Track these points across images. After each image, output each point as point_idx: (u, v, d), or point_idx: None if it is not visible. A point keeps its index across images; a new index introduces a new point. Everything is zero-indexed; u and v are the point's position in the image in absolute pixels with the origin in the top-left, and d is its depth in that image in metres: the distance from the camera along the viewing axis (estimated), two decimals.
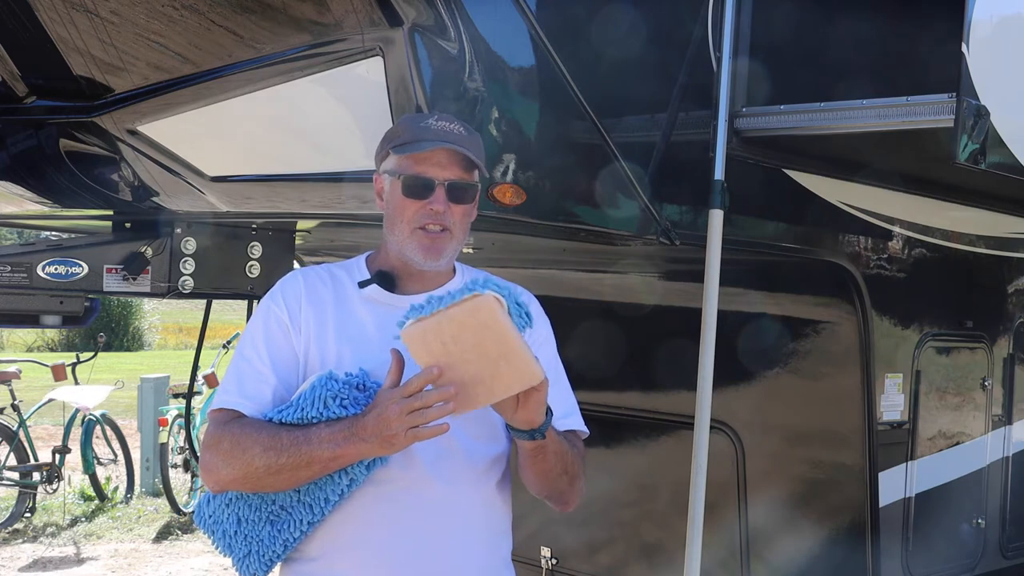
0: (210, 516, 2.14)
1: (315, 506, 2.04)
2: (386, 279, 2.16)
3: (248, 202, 2.99)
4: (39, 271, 2.98)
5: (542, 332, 2.26)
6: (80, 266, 3.03)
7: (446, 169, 2.11)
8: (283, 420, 2.02)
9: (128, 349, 27.49)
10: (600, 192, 2.87)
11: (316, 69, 2.56)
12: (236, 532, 2.10)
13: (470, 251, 3.53)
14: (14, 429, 8.22)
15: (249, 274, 3.31)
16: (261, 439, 1.99)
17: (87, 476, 8.72)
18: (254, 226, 3.31)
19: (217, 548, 2.15)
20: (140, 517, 8.41)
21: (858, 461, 3.79)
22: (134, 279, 3.09)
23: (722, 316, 2.99)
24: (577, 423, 2.27)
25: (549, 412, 2.03)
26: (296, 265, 3.70)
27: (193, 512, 2.29)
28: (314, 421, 1.99)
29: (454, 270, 2.25)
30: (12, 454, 8.21)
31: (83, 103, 2.82)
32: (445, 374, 1.88)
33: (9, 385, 8.33)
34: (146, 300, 25.82)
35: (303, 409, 2.00)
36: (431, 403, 1.88)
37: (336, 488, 2.03)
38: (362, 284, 2.16)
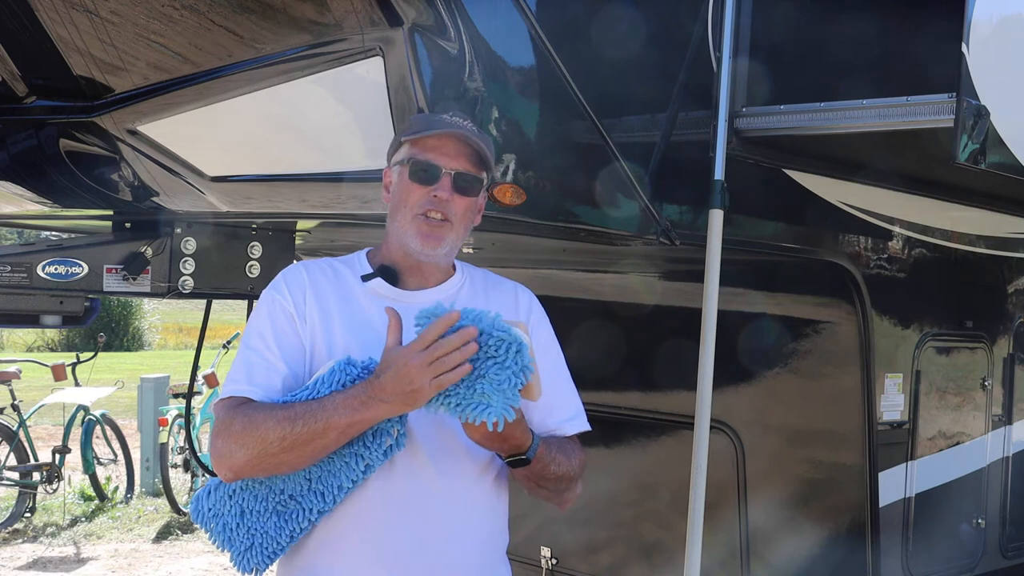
0: (210, 509, 2.11)
1: (327, 494, 2.03)
2: (389, 273, 2.17)
3: (248, 202, 2.99)
4: (39, 271, 2.98)
5: (544, 335, 2.26)
6: (80, 266, 3.03)
7: (454, 159, 2.13)
8: (297, 401, 2.01)
9: (128, 349, 27.51)
10: (600, 192, 2.87)
11: (316, 69, 2.56)
12: (239, 525, 2.08)
13: (470, 251, 3.53)
14: (14, 429, 8.22)
15: (249, 274, 3.31)
16: (274, 413, 1.97)
17: (87, 476, 8.72)
18: (254, 226, 3.31)
19: (215, 542, 2.12)
20: (140, 517, 8.41)
21: (858, 461, 3.79)
22: (134, 279, 3.09)
23: (722, 316, 2.99)
24: (581, 424, 2.28)
25: (533, 435, 2.08)
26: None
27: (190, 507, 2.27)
28: None
29: (454, 268, 2.25)
30: (12, 454, 8.21)
31: (83, 103, 2.82)
32: None
33: (9, 385, 8.33)
34: (146, 300, 25.85)
35: (319, 392, 1.99)
36: (452, 348, 1.88)
37: (352, 475, 2.01)
38: (365, 278, 2.17)
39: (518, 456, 2.07)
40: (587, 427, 2.28)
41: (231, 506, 2.09)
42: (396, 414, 1.97)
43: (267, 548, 2.08)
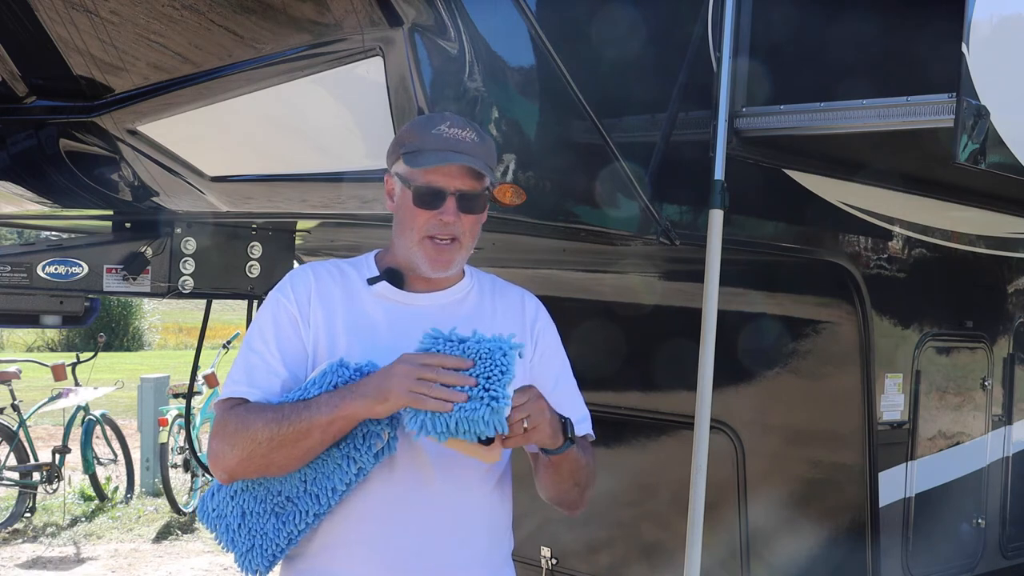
0: (214, 510, 2.12)
1: (322, 496, 2.03)
2: (395, 276, 2.16)
3: (248, 202, 2.99)
4: (39, 271, 2.98)
5: (550, 342, 2.26)
6: (80, 266, 3.03)
7: (457, 179, 2.10)
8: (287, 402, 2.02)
9: (128, 349, 27.49)
10: (600, 192, 2.87)
11: (316, 69, 2.56)
12: (240, 526, 2.09)
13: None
14: (14, 429, 8.21)
15: (249, 274, 3.31)
16: (264, 415, 1.99)
17: (87, 476, 8.72)
18: (254, 226, 3.31)
19: (220, 543, 2.13)
20: (140, 517, 8.40)
21: (858, 461, 3.79)
22: (134, 279, 3.09)
23: (722, 316, 2.99)
24: (589, 428, 2.27)
25: (568, 424, 2.06)
26: (296, 265, 3.70)
27: (194, 511, 2.28)
28: None
29: (463, 271, 2.24)
30: (12, 454, 8.21)
31: (83, 103, 2.82)
32: None
33: (9, 385, 8.33)
34: (146, 300, 25.84)
35: (309, 393, 2.00)
36: (444, 382, 1.88)
37: (344, 477, 2.02)
38: (371, 281, 2.16)
39: (565, 440, 2.05)
40: (591, 433, 2.27)
41: (232, 507, 2.10)
42: (371, 412, 1.95)
43: (267, 550, 2.08)
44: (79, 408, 8.76)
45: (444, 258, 2.12)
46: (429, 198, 2.09)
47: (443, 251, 2.11)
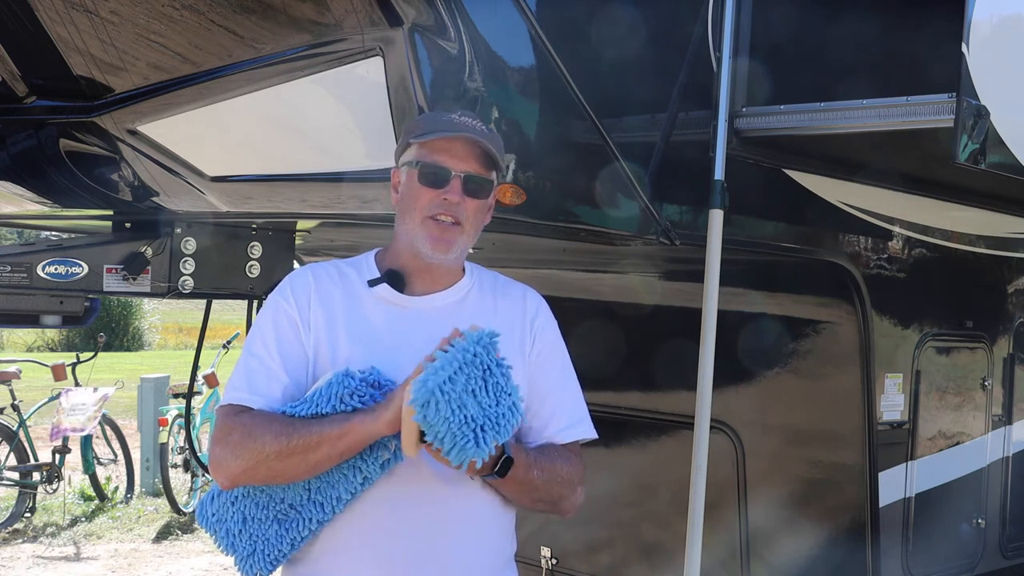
0: (213, 514, 2.12)
1: (326, 504, 2.03)
2: (396, 278, 2.15)
3: (248, 202, 2.99)
4: (39, 271, 2.98)
5: (550, 339, 2.25)
6: (80, 266, 3.03)
7: (464, 161, 2.11)
8: (296, 415, 2.01)
9: (128, 349, 27.50)
10: (600, 192, 2.87)
11: (316, 69, 2.56)
12: (241, 531, 2.09)
13: (471, 251, 3.53)
14: (14, 429, 8.21)
15: (249, 274, 3.31)
16: (273, 426, 1.98)
17: (87, 476, 8.72)
18: (254, 226, 3.31)
19: (220, 547, 2.13)
20: (140, 517, 8.41)
21: (858, 461, 3.80)
22: (134, 279, 3.09)
23: (722, 316, 2.99)
24: (585, 430, 2.25)
25: (503, 458, 2.02)
26: (296, 265, 3.70)
27: (193, 512, 2.28)
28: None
29: (463, 270, 2.24)
30: (12, 454, 8.21)
31: (83, 103, 2.82)
32: None
33: (9, 385, 8.32)
34: (146, 300, 25.85)
35: (318, 405, 1.99)
36: None
37: (350, 486, 2.01)
38: (372, 283, 2.15)
39: (500, 460, 2.01)
40: (591, 435, 2.25)
41: (233, 512, 2.10)
42: (382, 432, 1.95)
43: (269, 555, 2.08)
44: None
45: (447, 237, 2.11)
46: (435, 176, 2.10)
47: (446, 230, 2.11)
